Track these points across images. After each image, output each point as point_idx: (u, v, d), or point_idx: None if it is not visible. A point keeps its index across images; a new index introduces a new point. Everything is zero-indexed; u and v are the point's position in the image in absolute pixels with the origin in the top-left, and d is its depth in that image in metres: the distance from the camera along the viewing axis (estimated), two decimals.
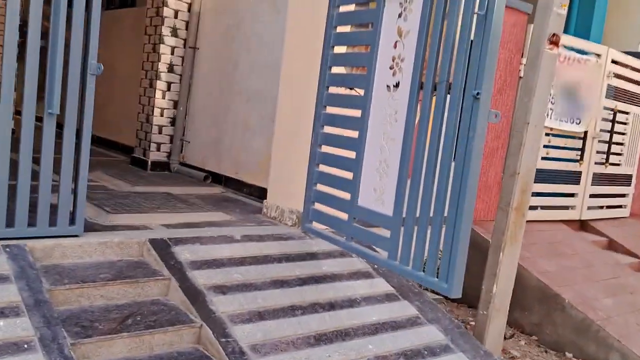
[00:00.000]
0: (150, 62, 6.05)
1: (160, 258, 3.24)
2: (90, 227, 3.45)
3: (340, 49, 3.84)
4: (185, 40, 6.03)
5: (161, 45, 5.90)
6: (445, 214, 2.99)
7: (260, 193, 5.06)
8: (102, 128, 7.71)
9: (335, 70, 3.84)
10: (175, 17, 5.93)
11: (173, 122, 6.10)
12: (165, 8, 5.86)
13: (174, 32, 5.95)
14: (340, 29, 3.79)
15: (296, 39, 4.25)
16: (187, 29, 6.02)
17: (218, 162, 5.69)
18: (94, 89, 3.17)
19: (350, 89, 3.78)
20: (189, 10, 6.00)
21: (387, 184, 3.35)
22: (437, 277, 3.01)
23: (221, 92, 5.68)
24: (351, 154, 3.59)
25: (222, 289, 3.10)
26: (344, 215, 3.63)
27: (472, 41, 2.92)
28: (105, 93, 7.81)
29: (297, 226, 4.12)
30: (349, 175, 3.61)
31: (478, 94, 2.83)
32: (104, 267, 3.14)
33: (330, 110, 3.83)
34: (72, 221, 3.19)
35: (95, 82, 3.17)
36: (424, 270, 3.10)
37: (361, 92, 3.59)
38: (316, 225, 3.95)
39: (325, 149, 3.84)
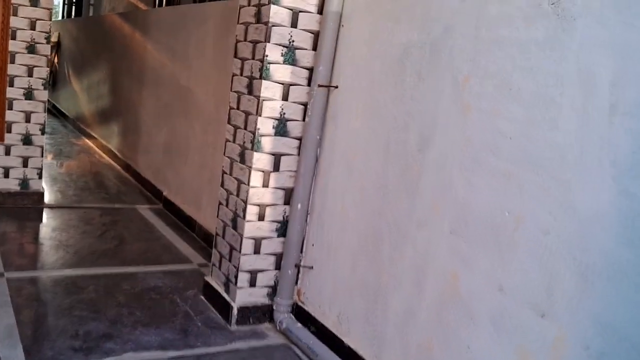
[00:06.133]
0: (243, 113, 3.09)
1: None
2: None
3: None
4: (310, 70, 3.01)
5: (263, 82, 2.92)
6: None
7: None
8: (174, 189, 4.95)
9: None
10: (293, 24, 2.92)
11: (282, 229, 3.13)
12: (272, 6, 2.85)
13: (289, 55, 2.94)
14: None
15: None
16: (314, 48, 2.99)
17: (374, 339, 2.64)
18: None
19: None
20: (319, 12, 2.96)
21: None
22: None
23: (384, 189, 2.61)
24: None
25: None
26: None
27: None
28: (180, 133, 5.01)
29: None
30: None
31: None
32: None
33: None
34: None
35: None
36: None
37: None
38: None
39: None
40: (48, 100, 11.47)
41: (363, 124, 2.77)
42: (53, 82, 11.56)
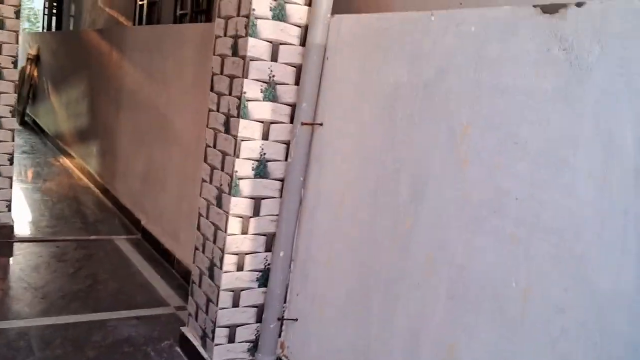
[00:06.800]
0: (220, 153, 2.84)
1: None
2: None
3: None
4: (292, 107, 2.76)
5: (241, 121, 2.67)
6: None
7: None
8: (152, 219, 4.68)
9: None
10: (274, 58, 2.67)
11: (263, 278, 2.88)
12: (250, 39, 2.60)
13: (269, 92, 2.69)
14: None
15: None
16: (297, 82, 2.74)
17: None
18: None
19: None
20: (302, 44, 2.71)
21: None
22: None
23: (374, 242, 2.36)
24: None
25: None
26: None
27: None
28: (158, 160, 4.75)
29: None
30: None
31: None
32: None
33: None
34: None
35: None
36: None
37: None
38: None
39: None
40: (28, 114, 11.17)
41: (350, 167, 2.53)
42: (33, 96, 11.25)
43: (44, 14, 13.30)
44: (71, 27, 11.26)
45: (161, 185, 4.71)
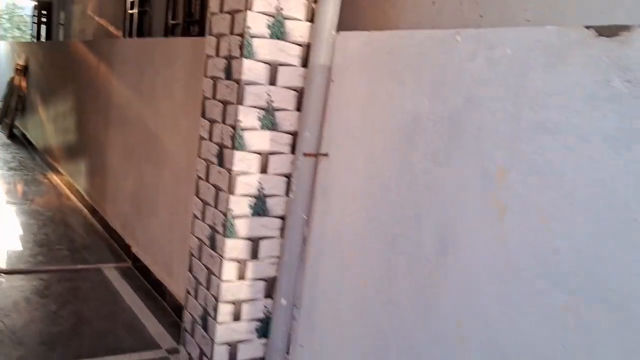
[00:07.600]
0: (213, 187, 2.52)
1: None
2: None
3: None
4: (293, 135, 2.44)
5: (236, 153, 2.35)
6: None
7: None
8: (143, 245, 4.36)
9: None
10: (272, 81, 2.35)
11: (264, 328, 2.55)
12: (245, 60, 2.28)
13: (268, 119, 2.37)
14: None
15: None
16: (298, 108, 2.43)
17: None
18: None
19: None
20: (304, 65, 2.40)
21: None
22: None
23: (391, 301, 2.04)
24: None
25: None
26: None
27: None
28: (149, 181, 4.42)
29: None
30: None
31: None
32: None
33: None
34: None
35: None
36: None
37: None
38: None
39: None
40: (16, 126, 10.82)
41: (361, 207, 2.21)
42: (22, 107, 10.92)
43: (33, 22, 12.96)
44: (61, 36, 10.93)
45: (152, 209, 4.39)
